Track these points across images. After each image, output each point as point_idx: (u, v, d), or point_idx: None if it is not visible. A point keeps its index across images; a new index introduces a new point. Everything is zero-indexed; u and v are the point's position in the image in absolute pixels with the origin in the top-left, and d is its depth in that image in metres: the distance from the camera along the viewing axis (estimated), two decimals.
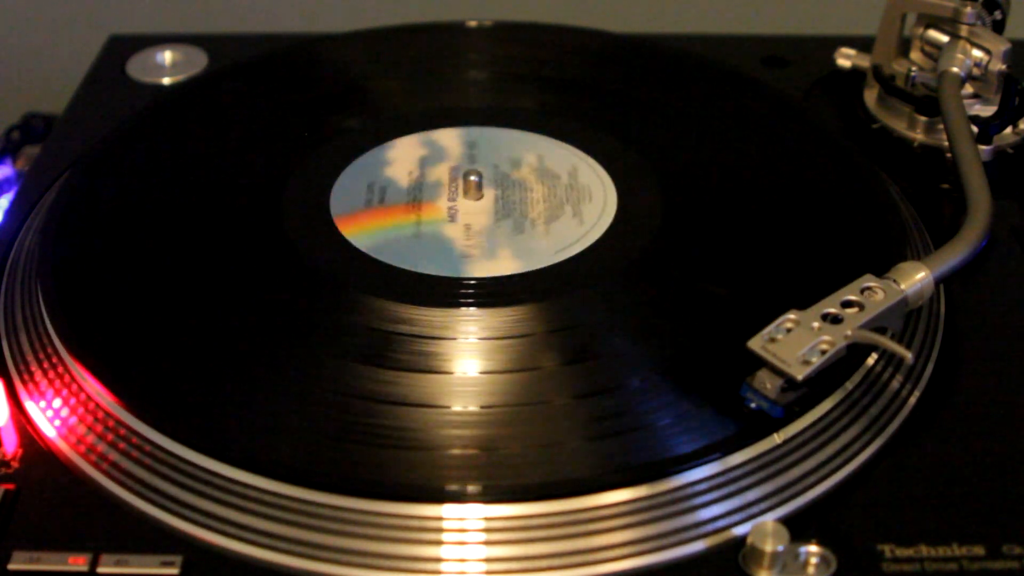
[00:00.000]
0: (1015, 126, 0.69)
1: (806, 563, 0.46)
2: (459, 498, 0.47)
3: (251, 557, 0.47)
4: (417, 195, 0.63)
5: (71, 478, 0.50)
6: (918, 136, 0.70)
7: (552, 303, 0.56)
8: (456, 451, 0.49)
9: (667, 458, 0.48)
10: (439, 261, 0.58)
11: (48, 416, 0.52)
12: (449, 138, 0.68)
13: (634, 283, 0.57)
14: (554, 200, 0.62)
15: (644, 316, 0.56)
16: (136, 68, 0.78)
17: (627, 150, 0.66)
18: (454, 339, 0.54)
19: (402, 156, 0.66)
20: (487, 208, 0.62)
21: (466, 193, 0.63)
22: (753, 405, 0.50)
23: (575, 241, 0.59)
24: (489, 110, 0.70)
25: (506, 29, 0.78)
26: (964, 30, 0.67)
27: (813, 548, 0.46)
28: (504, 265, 0.58)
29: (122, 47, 0.80)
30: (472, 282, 0.57)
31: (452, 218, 0.62)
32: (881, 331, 0.51)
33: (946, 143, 0.65)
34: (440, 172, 0.65)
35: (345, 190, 0.64)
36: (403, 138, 0.68)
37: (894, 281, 0.52)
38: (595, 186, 0.63)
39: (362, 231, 0.61)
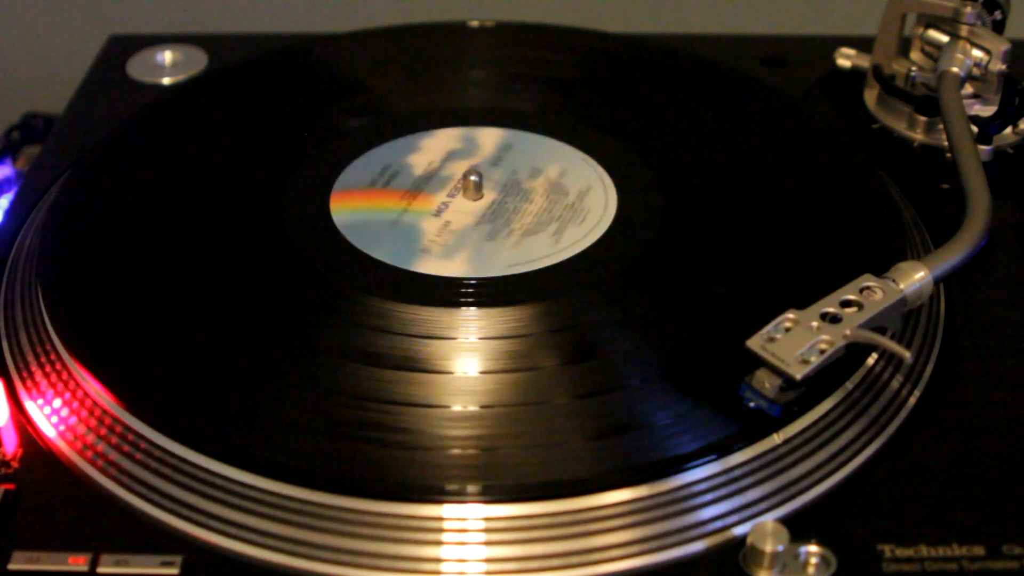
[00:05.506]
0: (1015, 126, 0.69)
1: (806, 563, 0.46)
2: (459, 498, 0.47)
3: (251, 557, 0.47)
4: (421, 185, 0.63)
5: (71, 478, 0.50)
6: (918, 136, 0.70)
7: (552, 303, 0.56)
8: (456, 451, 0.49)
9: (667, 458, 0.48)
10: (394, 250, 0.58)
11: (48, 416, 0.52)
12: (488, 137, 0.68)
13: (634, 283, 0.57)
14: (545, 216, 0.62)
15: (644, 316, 0.56)
16: (136, 68, 0.78)
17: (628, 150, 0.66)
18: (454, 339, 0.54)
19: (434, 146, 0.67)
20: (477, 210, 0.62)
21: (465, 192, 0.63)
22: (752, 404, 0.50)
23: (538, 259, 0.58)
24: (522, 112, 0.70)
25: (511, 29, 0.78)
26: (964, 30, 0.67)
27: (813, 548, 0.46)
28: (453, 267, 0.58)
29: (122, 47, 0.80)
30: (472, 281, 0.57)
31: (438, 213, 0.62)
32: (880, 331, 0.51)
33: (946, 143, 0.64)
34: (458, 168, 0.65)
35: (362, 167, 0.64)
36: (445, 129, 0.68)
37: (893, 281, 0.52)
38: (597, 205, 0.62)
39: (349, 210, 0.61)
